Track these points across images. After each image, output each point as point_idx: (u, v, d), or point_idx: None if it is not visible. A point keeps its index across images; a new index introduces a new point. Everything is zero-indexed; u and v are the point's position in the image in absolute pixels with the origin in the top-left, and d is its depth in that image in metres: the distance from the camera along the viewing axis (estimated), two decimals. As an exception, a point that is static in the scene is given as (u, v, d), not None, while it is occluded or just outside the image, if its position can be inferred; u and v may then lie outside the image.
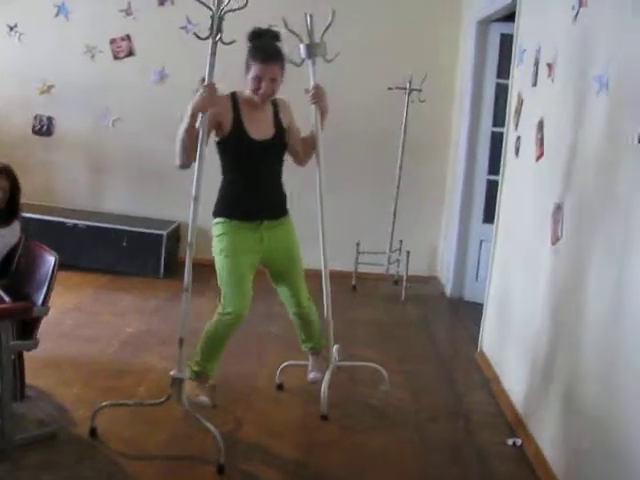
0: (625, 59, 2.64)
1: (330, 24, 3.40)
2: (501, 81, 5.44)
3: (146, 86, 6.35)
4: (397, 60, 5.98)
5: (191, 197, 3.16)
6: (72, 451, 3.07)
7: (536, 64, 3.79)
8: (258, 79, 3.18)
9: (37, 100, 6.45)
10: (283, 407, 3.69)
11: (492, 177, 5.50)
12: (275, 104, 3.39)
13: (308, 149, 3.52)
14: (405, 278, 6.03)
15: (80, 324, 4.69)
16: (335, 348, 3.77)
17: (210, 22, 3.06)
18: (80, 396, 3.59)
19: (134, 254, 6.02)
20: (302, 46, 3.45)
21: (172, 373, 3.17)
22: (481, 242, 5.81)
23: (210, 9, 3.04)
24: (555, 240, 3.26)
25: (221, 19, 3.04)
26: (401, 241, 6.18)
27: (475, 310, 5.25)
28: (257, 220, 3.38)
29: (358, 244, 6.14)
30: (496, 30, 5.51)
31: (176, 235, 6.37)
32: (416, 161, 6.14)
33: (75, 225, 5.98)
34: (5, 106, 6.43)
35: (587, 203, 2.94)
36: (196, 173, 3.15)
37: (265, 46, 3.22)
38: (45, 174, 6.51)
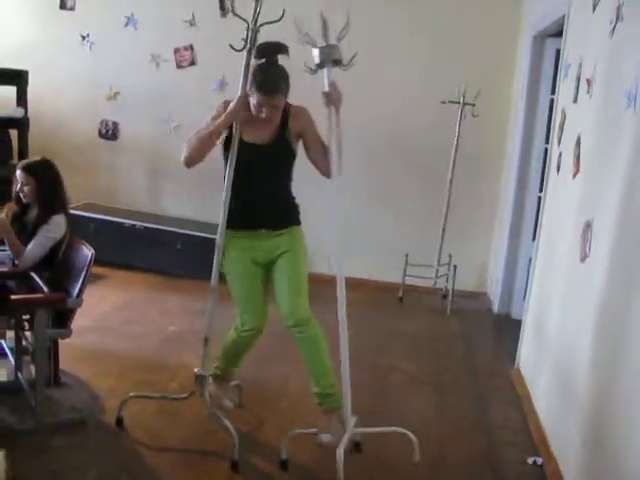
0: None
1: (345, 28, 3.04)
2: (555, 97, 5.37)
3: (206, 94, 6.50)
4: (451, 74, 5.97)
5: (221, 202, 3.28)
6: (98, 437, 3.22)
7: (577, 79, 3.74)
8: (260, 106, 3.10)
9: (104, 106, 6.75)
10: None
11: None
12: (286, 112, 3.25)
13: (325, 157, 3.22)
14: (452, 292, 6.01)
15: (126, 320, 4.87)
16: (354, 420, 3.16)
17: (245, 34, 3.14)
18: (114, 387, 3.74)
19: (188, 257, 6.19)
20: (315, 51, 3.08)
21: (196, 370, 3.27)
22: (530, 260, 5.72)
23: (245, 21, 3.14)
24: (583, 257, 3.22)
25: (256, 32, 3.13)
26: (450, 255, 6.15)
27: (520, 327, 5.18)
28: (256, 228, 3.29)
29: (407, 256, 6.15)
30: (551, 45, 5.44)
31: (229, 240, 6.51)
32: (467, 176, 6.12)
33: (133, 226, 6.21)
34: (74, 111, 6.77)
35: (616, 221, 2.89)
36: (226, 180, 3.27)
37: (268, 74, 3.09)
38: (109, 176, 6.81)
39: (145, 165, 6.82)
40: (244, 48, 3.17)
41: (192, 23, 6.46)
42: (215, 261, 3.29)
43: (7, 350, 3.83)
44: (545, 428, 3.57)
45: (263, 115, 3.13)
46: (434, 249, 6.10)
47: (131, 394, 3.41)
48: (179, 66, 6.58)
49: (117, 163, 6.81)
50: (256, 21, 3.14)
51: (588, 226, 3.19)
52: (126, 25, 6.58)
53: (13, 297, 3.09)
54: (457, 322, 5.81)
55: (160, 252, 6.19)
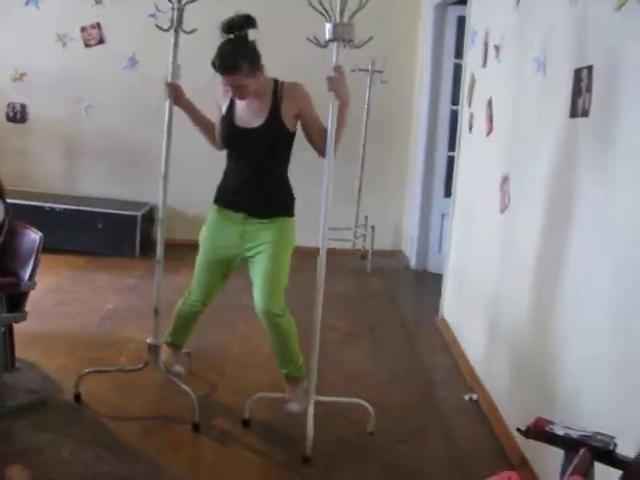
0: (557, 41, 2.91)
1: (363, 5, 2.99)
2: (459, 61, 5.69)
3: (117, 73, 6.53)
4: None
5: (160, 175, 3.36)
6: (60, 415, 3.30)
7: (485, 46, 4.06)
8: (225, 86, 3.06)
9: (10, 88, 6.59)
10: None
11: (452, 154, 5.76)
12: (279, 92, 3.08)
13: (323, 140, 3.10)
14: (371, 252, 6.32)
15: (61, 302, 4.89)
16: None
17: (171, 13, 3.11)
18: (65, 366, 3.81)
19: (110, 235, 6.22)
20: (327, 26, 3.03)
21: (149, 340, 3.39)
22: (443, 216, 6.09)
23: (170, 1, 3.11)
24: (503, 208, 3.55)
25: (181, 10, 3.10)
26: (366, 217, 6.45)
27: (438, 281, 5.51)
28: (241, 211, 3.17)
29: (326, 221, 6.39)
30: (453, 13, 5.77)
31: (150, 216, 6.57)
32: (379, 140, 6.41)
33: (52, 209, 6.16)
34: (-23, 94, 6.58)
35: (528, 174, 3.22)
36: (164, 151, 3.32)
37: (223, 52, 2.96)
38: (20, 160, 6.67)
39: (58, 147, 6.73)
40: (170, 27, 3.14)
41: (98, 1, 6.40)
42: (159, 234, 3.38)
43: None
44: (475, 367, 3.93)
45: (234, 96, 3.06)
46: (351, 211, 6.36)
47: (86, 370, 3.50)
48: (87, 45, 6.51)
49: (28, 146, 6.68)
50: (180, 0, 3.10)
51: (505, 179, 3.52)
52: (27, 4, 6.43)
53: (-34, 285, 3.12)
54: (378, 280, 6.13)
55: (82, 233, 6.18)
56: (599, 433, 1.94)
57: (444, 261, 5.01)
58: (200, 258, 3.34)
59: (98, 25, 6.47)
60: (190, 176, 5.91)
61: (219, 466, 2.98)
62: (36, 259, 3.32)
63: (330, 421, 3.35)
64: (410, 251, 6.60)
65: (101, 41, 6.51)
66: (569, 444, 1.93)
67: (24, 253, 3.44)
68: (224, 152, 3.32)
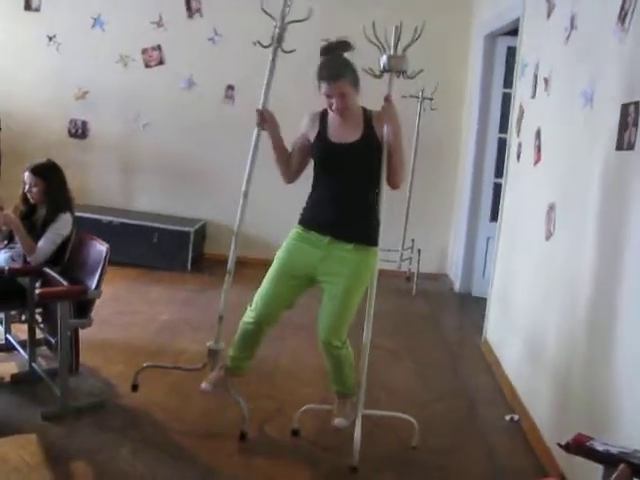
0: (605, 77, 3.03)
1: (417, 37, 3.23)
2: (507, 90, 5.82)
3: (175, 93, 6.81)
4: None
5: (241, 193, 3.44)
6: (120, 417, 3.49)
7: (535, 78, 4.18)
8: (328, 96, 3.11)
9: (73, 105, 6.93)
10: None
11: (498, 180, 5.88)
12: (368, 114, 3.20)
13: (390, 168, 3.21)
14: (416, 275, 6.44)
15: (118, 312, 5.12)
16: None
17: (273, 31, 3.33)
18: (123, 373, 4.00)
19: (163, 250, 6.46)
20: (383, 58, 3.26)
21: (208, 344, 3.51)
22: (488, 240, 6.20)
23: (273, 19, 3.32)
24: (548, 236, 3.66)
25: (283, 29, 3.31)
26: (413, 240, 6.58)
27: (482, 304, 5.61)
28: (327, 234, 3.16)
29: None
30: (503, 43, 5.91)
31: (202, 232, 6.81)
32: (427, 165, 6.55)
33: (110, 222, 6.42)
34: (43, 110, 6.93)
35: (574, 203, 3.33)
36: (247, 169, 3.41)
37: (329, 63, 3.12)
38: (80, 174, 6.91)
39: (116, 162, 7.03)
40: (270, 45, 3.34)
41: (159, 24, 6.70)
42: (232, 246, 3.45)
43: (15, 344, 4.06)
44: (517, 389, 4.02)
45: (335, 106, 3.10)
46: (398, 235, 6.50)
47: (145, 364, 3.70)
48: (147, 66, 6.81)
49: (87, 161, 6.99)
50: (283, 19, 3.31)
51: (552, 208, 3.63)
52: (93, 26, 6.77)
53: (39, 290, 3.34)
54: (423, 302, 6.25)
55: (137, 246, 6.42)
56: (638, 450, 2.04)
57: (489, 284, 5.10)
58: (271, 271, 3.28)
59: (159, 47, 6.77)
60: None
61: (269, 473, 3.13)
62: (103, 269, 3.54)
63: (376, 434, 3.49)
64: (455, 274, 6.70)
65: (161, 62, 6.81)
66: (608, 460, 2.03)
67: (90, 263, 3.67)
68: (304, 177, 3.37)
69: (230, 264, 3.46)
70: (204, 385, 3.43)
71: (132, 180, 7.06)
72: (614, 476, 1.93)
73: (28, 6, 6.81)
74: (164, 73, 6.81)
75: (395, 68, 3.25)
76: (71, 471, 3.00)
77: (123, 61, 6.80)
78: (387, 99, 3.19)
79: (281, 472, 3.15)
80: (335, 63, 3.12)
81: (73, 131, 6.99)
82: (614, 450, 2.07)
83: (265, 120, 3.29)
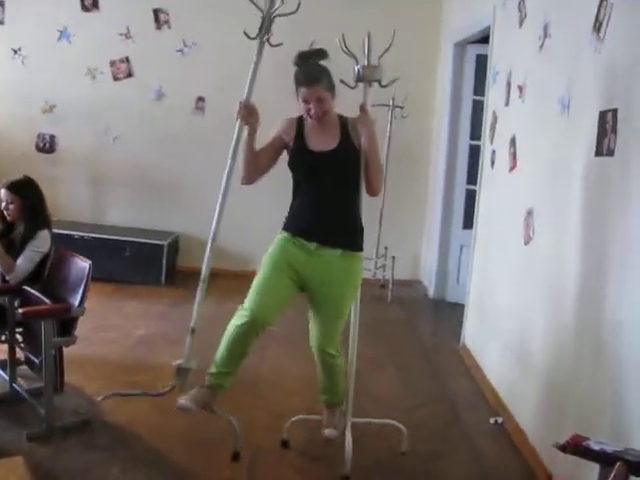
0: (582, 84, 3.11)
1: (390, 46, 3.25)
2: (477, 98, 5.92)
3: (144, 105, 6.77)
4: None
5: (217, 203, 3.33)
6: (106, 435, 3.45)
7: (508, 86, 4.26)
8: (306, 102, 3.14)
9: (40, 119, 6.84)
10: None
11: (470, 187, 5.97)
12: (344, 121, 3.23)
13: (368, 174, 3.21)
14: (391, 282, 6.48)
15: (94, 327, 5.04)
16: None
17: (260, 23, 3.22)
18: (103, 389, 3.95)
19: (137, 264, 6.40)
20: (356, 68, 3.27)
21: (176, 363, 3.28)
22: (461, 247, 6.27)
23: (260, 10, 3.22)
24: (527, 240, 3.72)
25: (271, 20, 3.21)
26: (386, 248, 6.63)
27: (456, 310, 5.72)
28: (312, 240, 3.17)
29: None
30: (472, 51, 6.01)
31: (175, 245, 6.77)
32: (399, 173, 6.61)
33: (82, 237, 6.34)
34: (10, 124, 6.82)
35: (553, 208, 3.40)
36: (224, 180, 3.29)
37: (306, 69, 3.15)
38: (49, 189, 6.60)
39: (86, 176, 6.95)
40: (258, 36, 3.24)
41: (127, 36, 6.66)
42: (207, 253, 3.33)
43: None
44: (499, 392, 4.07)
45: (313, 112, 3.13)
46: (372, 242, 6.53)
47: (109, 392, 3.65)
48: (116, 78, 6.76)
49: (57, 176, 6.87)
50: (270, 9, 3.21)
51: (529, 213, 3.70)
52: (59, 39, 6.70)
53: (23, 310, 3.29)
54: (399, 308, 6.30)
55: (110, 261, 6.32)
56: (631, 448, 2.11)
57: (466, 290, 5.17)
58: (263, 271, 3.21)
59: (127, 59, 6.73)
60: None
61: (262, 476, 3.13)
62: (86, 286, 3.50)
63: (364, 442, 3.49)
64: (428, 281, 6.76)
65: (130, 74, 6.76)
66: (604, 458, 2.09)
67: (71, 280, 3.63)
68: (256, 185, 3.31)
69: (204, 273, 3.31)
70: (183, 402, 3.16)
71: (103, 194, 6.99)
72: (612, 475, 1.99)
73: (-9, 19, 6.71)
74: (133, 85, 6.77)
75: (369, 78, 3.27)
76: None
77: (91, 74, 6.73)
78: (362, 108, 3.22)
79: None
80: (312, 69, 3.15)
81: (41, 145, 6.90)
82: (609, 449, 2.13)
83: (250, 114, 3.21)
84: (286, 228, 3.27)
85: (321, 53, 3.21)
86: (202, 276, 3.31)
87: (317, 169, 3.20)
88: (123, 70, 6.74)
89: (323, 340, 3.26)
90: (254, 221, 6.48)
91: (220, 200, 3.34)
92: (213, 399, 3.23)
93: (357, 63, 3.27)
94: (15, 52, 6.73)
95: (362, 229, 3.28)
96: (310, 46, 3.24)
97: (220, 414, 3.31)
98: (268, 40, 3.23)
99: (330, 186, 3.19)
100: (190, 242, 6.77)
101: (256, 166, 3.27)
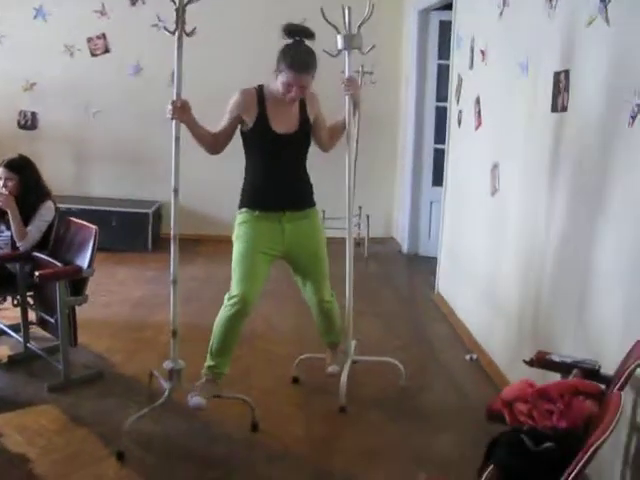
0: (537, 48, 3.46)
1: (369, 16, 3.48)
2: (442, 62, 6.27)
3: (123, 80, 6.99)
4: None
5: (170, 187, 3.18)
6: (119, 385, 3.79)
7: (472, 50, 4.61)
8: (289, 85, 3.19)
9: (21, 97, 7.03)
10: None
11: (438, 146, 6.35)
12: (302, 98, 3.33)
13: (333, 137, 3.58)
14: (367, 239, 6.86)
15: (93, 292, 5.25)
16: (353, 343, 3.85)
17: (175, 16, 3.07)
18: (111, 346, 4.30)
19: (124, 232, 6.68)
20: (339, 37, 3.49)
21: (166, 365, 3.28)
22: (431, 203, 6.66)
23: (173, 2, 3.06)
24: (494, 192, 4.10)
25: (184, 10, 3.05)
26: (360, 207, 6.98)
27: (429, 263, 6.14)
28: (279, 210, 3.36)
29: (324, 212, 6.91)
30: (436, 17, 6.33)
31: (159, 214, 7.05)
32: (370, 136, 6.91)
33: (68, 209, 6.57)
34: (-10, 104, 6.99)
35: (516, 160, 3.78)
36: (173, 167, 3.20)
37: (301, 55, 3.19)
38: None
39: (68, 152, 7.18)
40: (176, 30, 3.08)
41: (103, 13, 6.85)
42: (172, 246, 3.24)
43: (5, 328, 4.27)
44: (472, 332, 4.48)
45: (292, 95, 3.20)
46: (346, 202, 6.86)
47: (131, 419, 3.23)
48: (93, 54, 6.97)
49: (39, 152, 6.99)
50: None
51: (495, 166, 4.08)
52: (35, 17, 6.86)
53: (39, 272, 3.58)
54: (375, 264, 6.69)
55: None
56: (587, 359, 2.51)
57: (438, 243, 5.55)
58: (242, 249, 3.35)
59: (103, 35, 6.94)
60: (194, 175, 6.37)
61: (268, 413, 3.47)
62: (94, 248, 3.81)
63: (361, 379, 3.91)
64: (401, 237, 7.16)
65: (107, 50, 6.97)
66: (564, 368, 2.50)
67: (78, 244, 3.93)
68: (237, 153, 3.43)
69: (172, 272, 3.26)
70: (196, 400, 3.29)
71: (86, 168, 7.23)
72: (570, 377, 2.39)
73: (-34, 0, 6.84)
74: (111, 61, 6.98)
75: (352, 46, 3.52)
76: (94, 431, 3.26)
77: (69, 51, 6.92)
78: (352, 79, 3.52)
79: (280, 415, 3.52)
80: (307, 56, 3.20)
81: (23, 122, 7.10)
82: (569, 360, 2.54)
83: (183, 112, 3.14)
84: (252, 206, 3.38)
85: (309, 34, 3.26)
86: (172, 277, 3.26)
87: (279, 150, 3.34)
88: (100, 46, 6.94)
89: (319, 292, 3.61)
90: (232, 186, 6.75)
91: (173, 185, 3.21)
92: (219, 388, 3.42)
93: (338, 33, 3.53)
94: (-9, 32, 6.88)
95: (312, 185, 3.53)
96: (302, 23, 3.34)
97: (231, 397, 3.43)
98: (184, 29, 3.08)
99: (290, 161, 3.39)
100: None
101: (216, 142, 3.36)
